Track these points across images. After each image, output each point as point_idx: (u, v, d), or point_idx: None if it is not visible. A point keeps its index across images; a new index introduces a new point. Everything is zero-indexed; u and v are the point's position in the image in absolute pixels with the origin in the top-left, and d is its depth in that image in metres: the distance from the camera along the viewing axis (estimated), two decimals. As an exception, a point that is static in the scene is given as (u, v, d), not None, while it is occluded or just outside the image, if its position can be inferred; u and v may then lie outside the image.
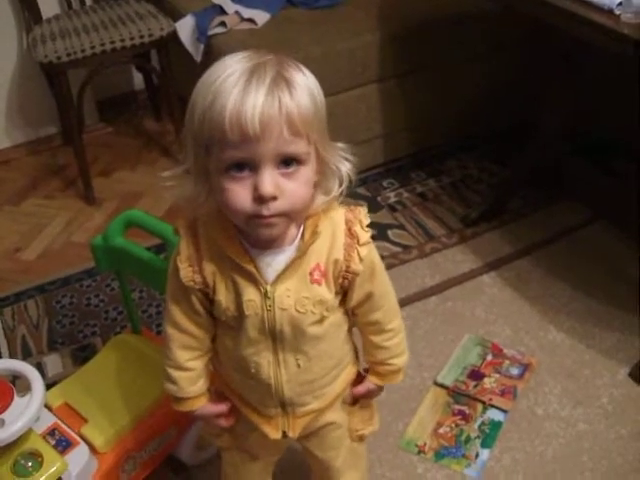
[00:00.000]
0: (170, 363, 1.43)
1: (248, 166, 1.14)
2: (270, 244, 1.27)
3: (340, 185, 1.24)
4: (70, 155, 3.32)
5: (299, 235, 1.28)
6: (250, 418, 1.48)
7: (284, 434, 1.48)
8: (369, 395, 1.58)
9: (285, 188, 1.15)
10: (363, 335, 1.50)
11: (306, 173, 1.17)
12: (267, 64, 1.14)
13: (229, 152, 1.13)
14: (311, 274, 1.29)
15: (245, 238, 1.27)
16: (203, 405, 1.49)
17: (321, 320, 1.34)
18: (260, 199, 1.14)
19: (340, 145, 1.26)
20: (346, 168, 1.24)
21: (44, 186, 3.40)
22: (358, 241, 1.30)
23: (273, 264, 1.28)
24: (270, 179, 1.13)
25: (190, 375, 1.44)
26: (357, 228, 1.30)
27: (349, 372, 1.52)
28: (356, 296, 1.38)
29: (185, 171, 1.25)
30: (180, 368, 1.42)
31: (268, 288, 1.27)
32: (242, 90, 1.10)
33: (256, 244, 1.27)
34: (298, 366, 1.37)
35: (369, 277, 1.36)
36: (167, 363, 1.43)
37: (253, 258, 1.27)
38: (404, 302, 2.54)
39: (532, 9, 2.21)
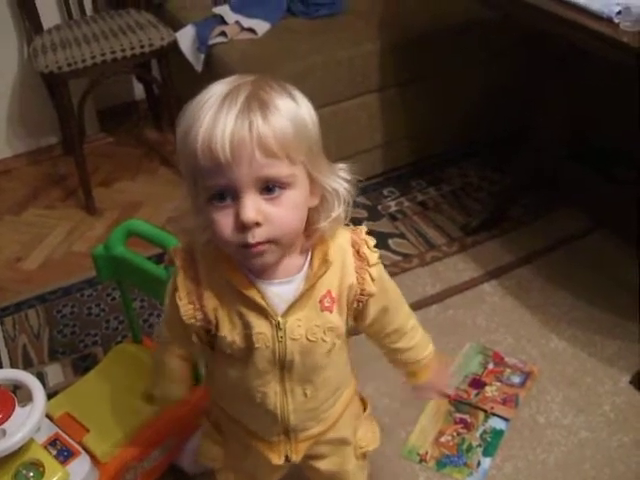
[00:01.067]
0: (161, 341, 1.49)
1: (230, 194, 1.11)
2: (274, 274, 1.24)
3: (341, 206, 1.21)
4: (71, 165, 3.31)
5: (307, 263, 1.25)
6: (251, 444, 1.47)
7: (286, 459, 1.47)
8: (432, 391, 1.62)
9: (269, 213, 1.11)
10: (385, 348, 1.51)
11: (293, 197, 1.13)
12: (243, 86, 1.11)
13: (208, 181, 1.10)
14: (321, 302, 1.27)
15: (249, 270, 1.23)
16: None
17: (332, 347, 1.33)
18: (243, 227, 1.10)
19: (339, 165, 1.22)
20: (343, 189, 1.20)
21: (45, 196, 3.40)
22: (368, 263, 1.30)
23: (282, 295, 1.25)
24: (251, 205, 1.09)
25: (166, 371, 1.52)
26: (365, 249, 1.31)
27: (349, 391, 1.53)
28: (372, 313, 1.37)
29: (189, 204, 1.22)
30: (162, 362, 1.50)
31: (280, 320, 1.25)
32: (213, 114, 1.07)
33: (260, 275, 1.23)
34: (305, 395, 1.36)
35: (382, 293, 1.36)
36: (159, 339, 1.50)
37: (260, 290, 1.23)
38: (405, 311, 2.55)
39: (531, 17, 2.21)
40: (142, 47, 2.98)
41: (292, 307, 1.25)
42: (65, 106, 3.09)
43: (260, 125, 1.07)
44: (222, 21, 2.98)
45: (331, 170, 1.20)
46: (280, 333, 1.25)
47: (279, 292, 1.24)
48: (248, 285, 1.23)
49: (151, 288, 1.82)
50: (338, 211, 1.21)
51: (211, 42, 2.91)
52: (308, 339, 1.27)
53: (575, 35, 2.00)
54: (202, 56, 2.92)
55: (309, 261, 1.25)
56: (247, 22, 2.94)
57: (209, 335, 1.31)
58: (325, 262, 1.23)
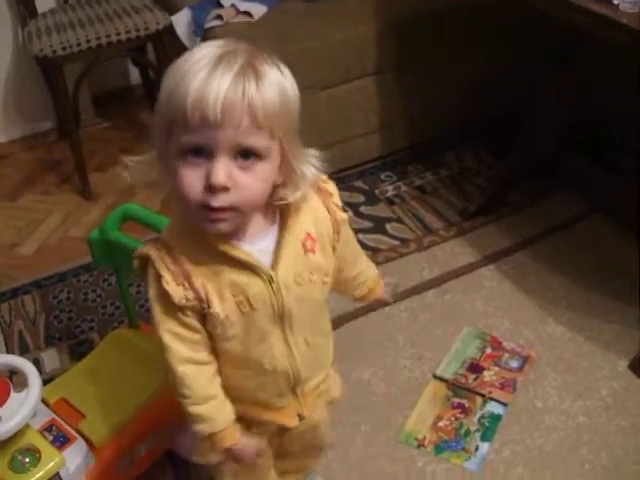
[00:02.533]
0: (193, 400, 1.35)
1: (205, 153, 1.12)
2: (247, 234, 1.26)
3: (306, 188, 1.24)
4: (66, 150, 3.29)
5: (277, 214, 1.28)
6: (262, 417, 1.48)
7: (299, 417, 1.50)
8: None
9: (239, 181, 1.13)
10: (347, 278, 1.55)
11: (264, 169, 1.15)
12: (238, 52, 1.12)
13: (187, 136, 1.11)
14: (304, 245, 1.30)
15: (227, 235, 1.24)
16: (243, 438, 1.43)
17: (323, 287, 1.37)
18: (210, 188, 1.12)
19: (311, 152, 1.24)
20: (311, 174, 1.23)
21: (40, 181, 3.39)
22: (330, 194, 1.35)
23: (263, 249, 1.27)
24: (223, 168, 1.11)
25: (217, 402, 1.38)
26: (321, 184, 1.34)
27: (332, 338, 1.56)
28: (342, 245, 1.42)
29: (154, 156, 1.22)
30: (206, 399, 1.36)
31: (271, 274, 1.27)
32: (207, 73, 1.09)
33: (234, 237, 1.25)
34: (307, 344, 1.39)
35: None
36: (189, 403, 1.35)
37: (243, 249, 1.25)
38: (402, 295, 2.54)
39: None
40: (137, 31, 2.96)
41: (277, 258, 1.27)
42: (60, 91, 3.07)
43: (253, 93, 1.09)
44: (218, 4, 2.95)
45: (302, 153, 1.22)
46: (275, 286, 1.28)
47: (260, 248, 1.27)
48: (232, 247, 1.24)
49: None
50: (302, 191, 1.23)
51: (207, 25, 2.88)
52: (297, 282, 1.30)
53: (574, 17, 1.99)
54: (198, 40, 2.89)
55: (278, 212, 1.28)
56: (243, 5, 2.92)
57: (203, 319, 1.30)
58: (292, 207, 1.27)
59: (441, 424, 2.15)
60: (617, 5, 1.86)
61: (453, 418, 2.16)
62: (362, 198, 3.05)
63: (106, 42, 2.92)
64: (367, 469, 2.02)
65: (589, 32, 2.01)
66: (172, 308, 1.26)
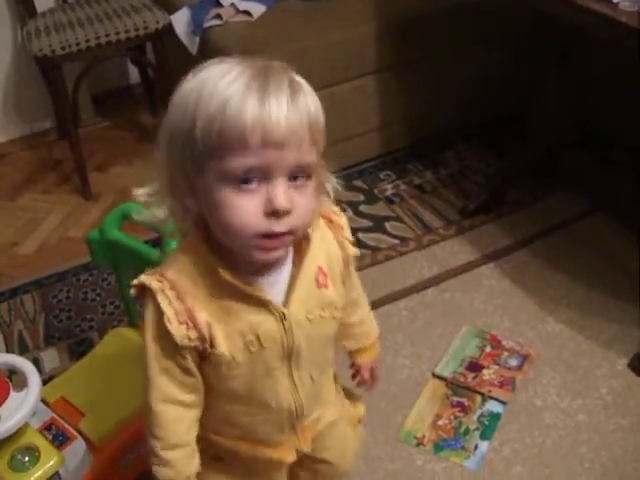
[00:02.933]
0: (162, 444, 1.25)
1: (257, 177, 1.04)
2: (265, 268, 1.18)
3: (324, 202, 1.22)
4: (66, 150, 3.29)
5: (290, 248, 1.21)
6: (259, 455, 1.39)
7: (297, 452, 1.42)
8: (373, 376, 1.62)
9: (297, 202, 1.07)
10: (345, 324, 1.46)
11: (312, 187, 1.10)
12: (274, 68, 1.07)
13: (240, 160, 1.03)
14: (317, 280, 1.25)
15: (236, 267, 1.16)
16: None
17: (333, 322, 1.31)
18: (275, 214, 1.05)
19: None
20: (331, 185, 1.20)
21: (40, 181, 3.39)
22: (341, 228, 1.31)
23: (277, 285, 1.20)
24: (286, 190, 1.05)
25: (187, 450, 1.29)
26: (334, 217, 1.30)
27: (333, 368, 1.51)
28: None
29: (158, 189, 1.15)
30: (176, 446, 1.27)
31: (284, 310, 1.20)
32: (260, 94, 1.02)
33: (255, 272, 1.18)
34: (312, 380, 1.33)
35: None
36: (157, 446, 1.25)
37: (258, 285, 1.17)
38: (402, 294, 2.55)
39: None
40: (137, 30, 2.97)
41: (290, 294, 1.21)
42: (59, 90, 3.07)
43: (309, 109, 1.06)
44: (217, 3, 2.95)
45: (325, 168, 1.18)
46: (286, 324, 1.20)
47: (273, 283, 1.20)
48: (247, 282, 1.16)
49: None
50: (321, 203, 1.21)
51: (206, 25, 2.88)
52: (308, 318, 1.23)
53: (574, 16, 1.99)
54: (197, 39, 2.89)
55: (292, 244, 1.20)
56: (242, 4, 2.91)
57: (201, 359, 1.21)
58: (306, 240, 1.20)
59: (440, 423, 2.15)
60: (616, 4, 1.86)
61: (452, 417, 2.16)
62: (361, 197, 3.05)
63: (105, 42, 2.92)
64: (366, 468, 2.02)
65: (589, 31, 2.01)
66: (170, 348, 1.17)
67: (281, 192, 1.04)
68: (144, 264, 1.74)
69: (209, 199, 1.08)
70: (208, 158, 1.06)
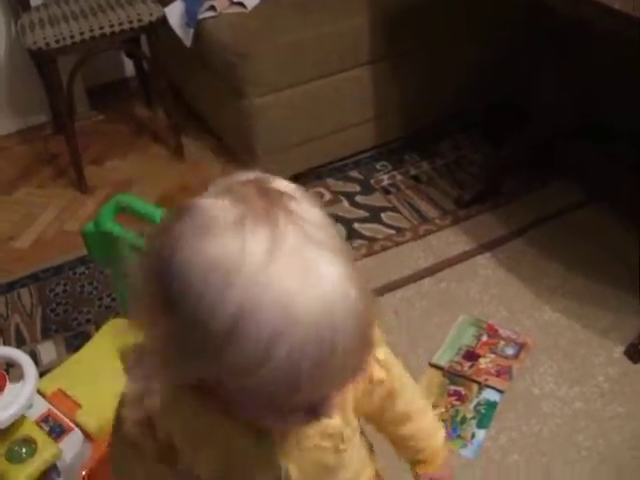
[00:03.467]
0: None
1: None
2: None
3: None
4: (62, 143, 3.28)
5: None
6: None
7: None
8: None
9: None
10: (388, 434, 1.27)
11: None
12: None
13: None
14: None
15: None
16: None
17: (337, 454, 1.05)
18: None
19: None
20: None
21: (36, 175, 3.38)
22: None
23: None
24: None
25: None
26: None
27: (368, 473, 1.21)
28: (376, 400, 1.15)
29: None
30: None
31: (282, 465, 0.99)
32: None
33: None
34: None
35: (388, 376, 1.13)
36: None
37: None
38: (398, 284, 2.55)
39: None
40: (131, 23, 2.95)
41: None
42: (54, 84, 3.06)
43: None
44: (211, -5, 2.95)
45: None
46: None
47: None
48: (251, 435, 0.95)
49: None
50: None
51: (200, 16, 2.88)
52: (299, 449, 1.00)
53: (570, 6, 1.99)
54: (191, 31, 2.89)
55: None
56: (236, -3, 2.91)
57: None
58: None
59: (437, 412, 2.15)
60: (609, -9, 1.86)
61: (449, 405, 2.17)
62: (358, 188, 3.04)
63: (99, 34, 2.91)
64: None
65: (586, 21, 2.01)
66: None
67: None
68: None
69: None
70: None
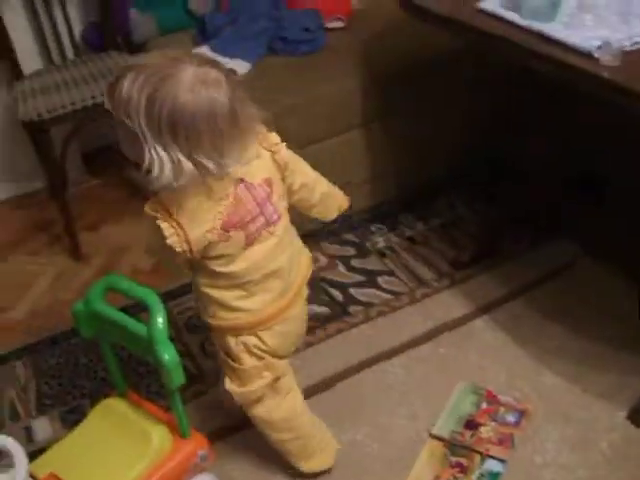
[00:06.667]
0: None
1: None
2: None
3: None
4: (57, 209, 3.26)
5: None
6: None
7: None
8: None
9: None
10: (308, 204, 2.01)
11: None
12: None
13: None
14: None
15: None
16: None
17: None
18: None
19: None
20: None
21: (30, 241, 3.37)
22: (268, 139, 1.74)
23: None
24: None
25: None
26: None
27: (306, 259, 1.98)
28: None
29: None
30: None
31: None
32: None
33: None
34: None
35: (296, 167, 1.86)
36: None
37: None
38: (396, 351, 2.52)
39: (507, 53, 2.19)
40: (123, 91, 2.95)
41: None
42: (47, 153, 3.07)
43: None
44: (202, 61, 2.95)
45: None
46: None
47: None
48: None
49: (132, 344, 1.78)
50: None
51: (192, 83, 2.88)
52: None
53: (554, 70, 1.98)
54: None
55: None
56: (227, 63, 2.91)
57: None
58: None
59: (439, 484, 2.11)
60: (598, 59, 1.85)
61: (452, 477, 2.12)
62: (353, 251, 3.02)
63: (92, 103, 2.90)
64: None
65: (570, 84, 2.00)
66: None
67: None
68: (131, 338, 1.72)
69: None
70: None
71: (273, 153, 1.74)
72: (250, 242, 1.71)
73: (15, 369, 2.66)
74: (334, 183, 2.99)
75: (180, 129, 1.48)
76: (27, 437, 2.40)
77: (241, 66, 2.92)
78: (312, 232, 3.05)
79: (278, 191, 1.75)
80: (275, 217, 1.74)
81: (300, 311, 1.92)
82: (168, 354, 1.64)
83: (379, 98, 2.93)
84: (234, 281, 1.74)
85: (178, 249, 1.63)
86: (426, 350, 2.54)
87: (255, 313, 1.79)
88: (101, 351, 1.93)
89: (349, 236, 3.10)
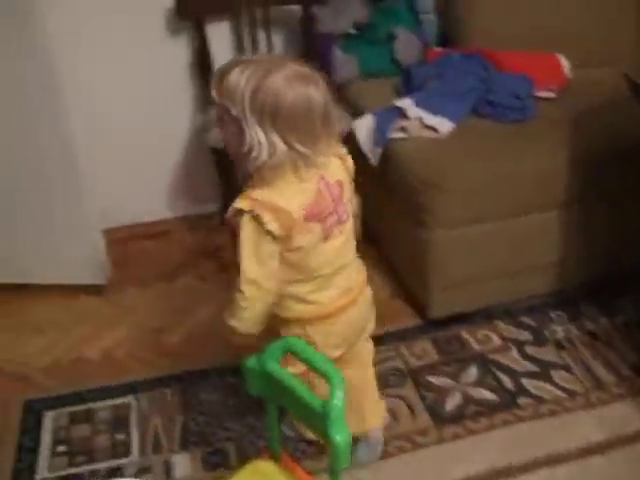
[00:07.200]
0: None
1: None
2: None
3: None
4: (227, 236, 3.22)
5: None
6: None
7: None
8: None
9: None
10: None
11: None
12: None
13: None
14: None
15: None
16: None
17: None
18: None
19: None
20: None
21: (201, 266, 3.36)
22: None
23: None
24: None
25: None
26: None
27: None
28: None
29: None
30: None
31: None
32: None
33: None
34: None
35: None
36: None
37: None
38: (564, 458, 2.32)
39: None
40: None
41: None
42: (228, 180, 3.08)
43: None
44: (402, 115, 2.84)
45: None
46: None
47: None
48: None
49: (302, 413, 1.67)
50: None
51: (390, 136, 2.77)
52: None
53: None
54: (379, 150, 2.78)
55: None
56: (430, 120, 2.78)
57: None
58: None
59: None
60: None
61: None
62: (529, 336, 2.84)
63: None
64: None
65: None
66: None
67: None
68: (302, 407, 1.61)
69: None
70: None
71: (343, 161, 1.93)
72: (326, 236, 1.85)
73: (165, 396, 2.61)
74: (518, 261, 2.85)
75: (279, 118, 1.67)
76: (166, 471, 2.34)
77: (444, 125, 2.78)
78: (487, 309, 2.90)
79: (347, 194, 1.92)
80: (345, 216, 1.90)
81: (363, 310, 2.08)
82: (340, 435, 1.53)
83: (586, 178, 2.74)
84: (309, 274, 1.89)
85: (277, 232, 1.74)
86: (596, 464, 2.31)
87: (325, 306, 1.95)
88: (265, 410, 1.83)
89: (526, 319, 2.92)
